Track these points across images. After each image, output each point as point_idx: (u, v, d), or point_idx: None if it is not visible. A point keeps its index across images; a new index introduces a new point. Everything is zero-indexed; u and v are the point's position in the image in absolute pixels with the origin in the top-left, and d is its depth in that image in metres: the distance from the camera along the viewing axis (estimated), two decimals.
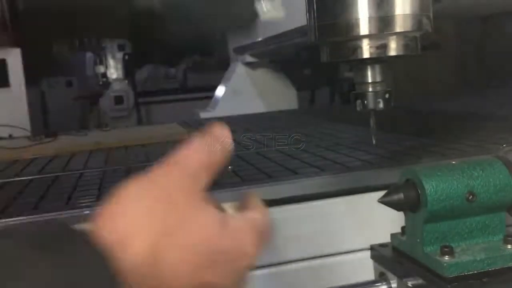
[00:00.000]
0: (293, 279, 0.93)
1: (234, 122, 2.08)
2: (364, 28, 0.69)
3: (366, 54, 0.71)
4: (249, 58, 2.39)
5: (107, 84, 5.23)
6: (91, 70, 6.15)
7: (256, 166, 1.14)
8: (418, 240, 0.68)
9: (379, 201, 0.67)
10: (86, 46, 7.28)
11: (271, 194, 0.91)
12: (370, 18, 0.69)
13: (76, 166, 1.32)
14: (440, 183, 0.67)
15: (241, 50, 2.40)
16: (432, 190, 0.66)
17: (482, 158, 0.72)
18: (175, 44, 7.61)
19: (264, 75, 2.50)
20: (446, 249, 0.65)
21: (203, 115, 2.50)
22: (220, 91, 2.58)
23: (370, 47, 0.71)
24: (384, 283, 0.72)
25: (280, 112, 2.37)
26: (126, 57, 4.98)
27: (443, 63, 5.00)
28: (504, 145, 0.73)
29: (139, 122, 4.92)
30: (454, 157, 1.03)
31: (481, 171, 0.68)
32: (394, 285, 0.72)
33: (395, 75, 5.12)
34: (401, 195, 0.66)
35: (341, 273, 0.91)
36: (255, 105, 2.44)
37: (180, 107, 4.66)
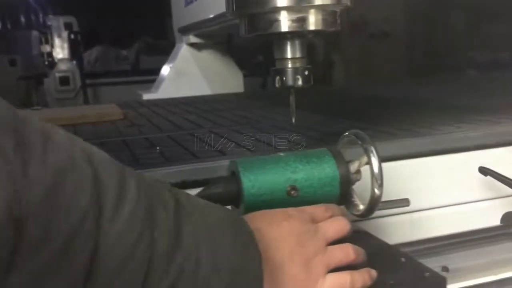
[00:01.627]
0: None
1: (174, 104, 2.03)
2: None
3: (284, 27, 0.68)
4: (193, 39, 2.33)
5: (52, 64, 5.01)
6: (36, 49, 5.91)
7: (185, 146, 1.10)
8: None
9: (196, 195, 0.63)
10: (31, 23, 6.99)
11: (192, 175, 0.87)
12: None
13: None
14: (259, 177, 0.63)
15: (185, 30, 2.34)
16: (250, 184, 0.62)
17: (314, 150, 0.68)
18: (127, 25, 7.43)
19: (209, 57, 2.45)
20: None
21: (146, 96, 2.43)
22: (164, 72, 2.50)
23: (289, 20, 0.67)
24: None
25: (226, 95, 2.33)
26: (72, 36, 4.78)
27: (391, 50, 5.11)
28: (346, 133, 0.70)
29: (86, 104, 4.76)
30: (382, 140, 1.03)
31: (306, 164, 0.65)
32: None
33: (343, 61, 5.17)
34: (220, 189, 0.63)
35: None
36: (200, 87, 2.39)
37: (130, 89, 4.53)
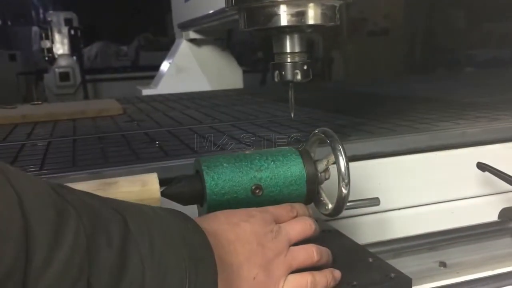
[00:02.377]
0: None
1: (174, 100, 2.03)
2: None
3: (283, 21, 0.68)
4: (193, 35, 2.33)
5: (52, 59, 5.01)
6: (36, 44, 5.90)
7: (184, 142, 1.10)
8: None
9: (161, 194, 0.62)
10: (31, 19, 6.97)
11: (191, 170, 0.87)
12: None
13: None
14: (222, 175, 0.61)
15: (185, 26, 2.34)
16: (213, 182, 0.61)
17: (281, 148, 0.67)
18: (127, 21, 7.43)
19: (209, 53, 2.45)
20: None
21: (145, 92, 2.43)
22: (163, 68, 2.50)
23: (288, 14, 0.67)
24: None
25: (225, 91, 2.33)
26: (72, 31, 4.77)
27: (390, 48, 5.11)
28: (316, 131, 0.68)
29: (86, 100, 4.76)
30: (382, 135, 1.03)
31: (272, 162, 0.64)
32: None
33: (343, 58, 5.16)
34: (183, 188, 0.62)
35: None
36: (199, 83, 2.39)
37: (130, 85, 4.53)
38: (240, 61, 2.67)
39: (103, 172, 0.84)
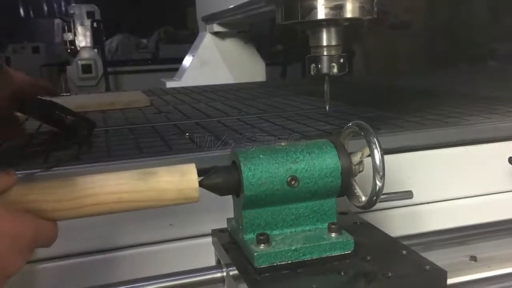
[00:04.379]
0: None
1: (198, 92, 2.04)
2: None
3: (321, 14, 0.69)
4: (217, 28, 2.34)
5: (75, 52, 5.07)
6: (59, 36, 5.98)
7: (214, 134, 1.11)
8: (240, 227, 0.65)
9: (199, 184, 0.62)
10: (53, 11, 7.05)
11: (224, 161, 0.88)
12: None
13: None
14: (259, 167, 0.62)
15: (209, 19, 2.35)
16: (250, 173, 0.62)
17: (316, 140, 0.67)
18: (148, 14, 7.48)
19: (232, 46, 2.46)
20: (261, 238, 0.61)
21: (169, 84, 2.45)
22: (187, 60, 2.52)
23: (326, 7, 0.68)
24: (218, 270, 0.70)
25: (248, 83, 2.34)
26: (95, 24, 4.83)
27: (412, 41, 5.06)
28: (349, 124, 0.68)
29: (108, 91, 4.81)
30: (411, 129, 1.03)
31: (307, 154, 0.64)
32: (225, 273, 0.69)
33: (367, 52, 5.12)
34: (220, 179, 0.63)
35: None
36: (222, 76, 2.40)
37: (151, 77, 4.57)
38: (260, 54, 2.68)
39: (139, 162, 0.86)
